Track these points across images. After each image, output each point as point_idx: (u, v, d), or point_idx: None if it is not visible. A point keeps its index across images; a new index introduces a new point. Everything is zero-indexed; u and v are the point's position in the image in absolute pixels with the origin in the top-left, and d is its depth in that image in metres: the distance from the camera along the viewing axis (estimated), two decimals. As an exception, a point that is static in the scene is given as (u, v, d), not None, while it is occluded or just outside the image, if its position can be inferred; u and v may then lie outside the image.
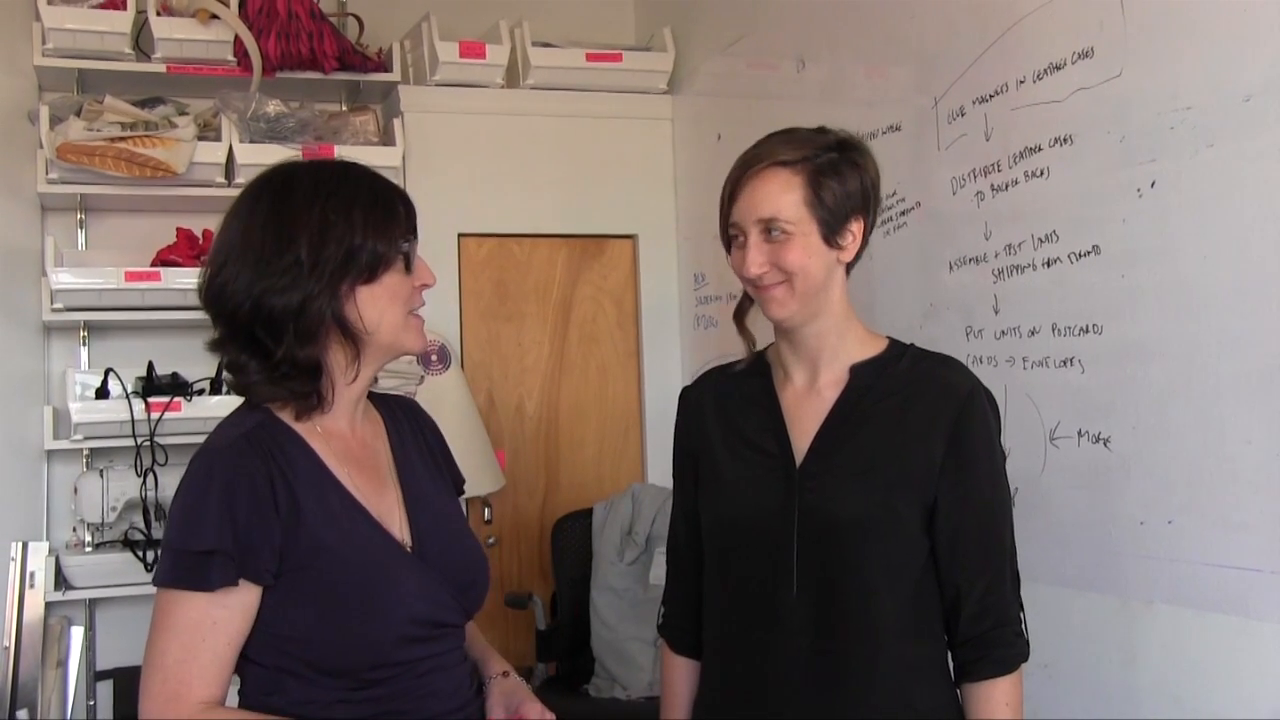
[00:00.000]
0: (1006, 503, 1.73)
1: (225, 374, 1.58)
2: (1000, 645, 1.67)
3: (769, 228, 1.66)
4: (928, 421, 1.68)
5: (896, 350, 1.75)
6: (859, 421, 1.70)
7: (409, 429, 1.70)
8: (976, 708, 1.67)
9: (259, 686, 1.51)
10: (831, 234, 1.68)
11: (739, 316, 1.79)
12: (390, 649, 1.49)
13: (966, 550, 1.68)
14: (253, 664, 1.50)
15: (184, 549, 1.44)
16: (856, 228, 1.70)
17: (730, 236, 1.72)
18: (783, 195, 1.66)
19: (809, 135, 1.71)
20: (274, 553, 1.45)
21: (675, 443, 1.89)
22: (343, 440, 1.57)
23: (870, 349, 1.75)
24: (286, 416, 1.54)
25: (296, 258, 1.47)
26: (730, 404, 1.80)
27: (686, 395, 1.88)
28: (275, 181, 1.54)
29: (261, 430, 1.51)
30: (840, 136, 1.72)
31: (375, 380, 1.66)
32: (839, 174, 1.68)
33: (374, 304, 1.52)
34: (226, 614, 1.44)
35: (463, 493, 1.77)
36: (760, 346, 1.83)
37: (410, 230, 1.56)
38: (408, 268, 1.55)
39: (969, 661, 1.69)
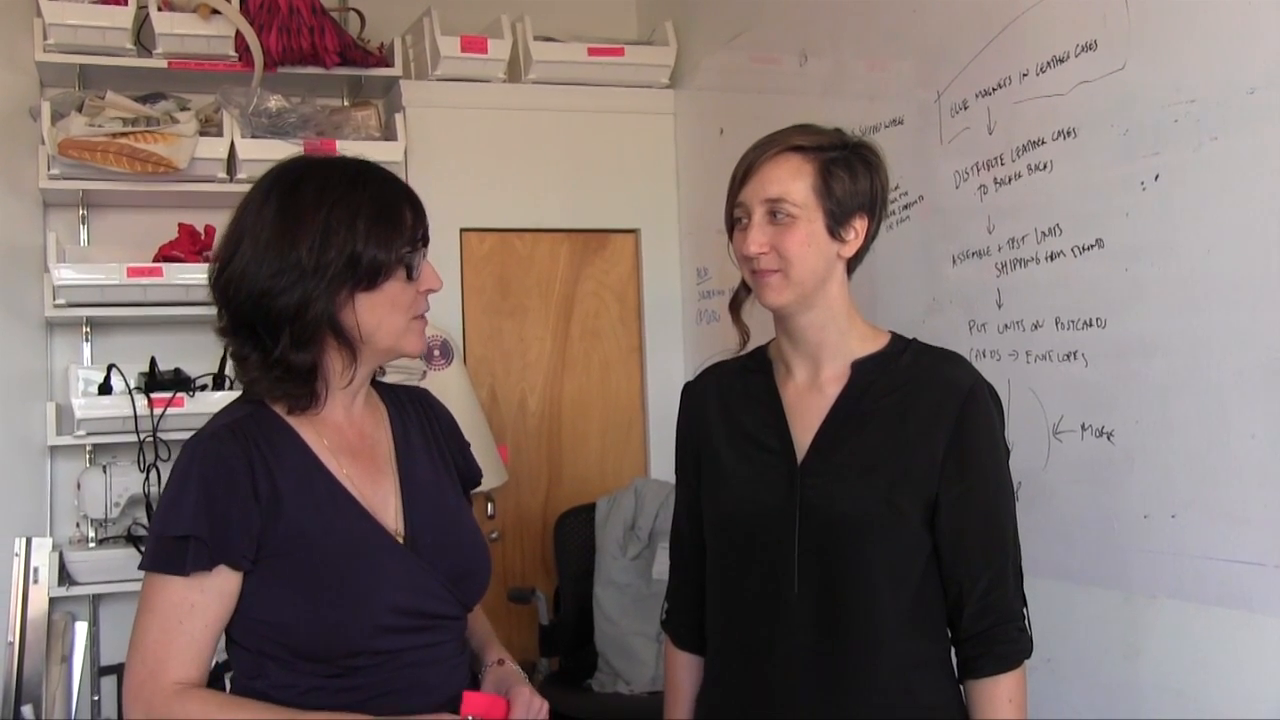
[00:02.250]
0: (1009, 499, 1.73)
1: (230, 364, 1.60)
2: (1002, 642, 1.67)
3: (774, 210, 1.67)
4: (930, 418, 1.68)
5: (898, 346, 1.75)
6: (861, 418, 1.70)
7: (417, 420, 1.70)
8: (979, 705, 1.68)
9: (243, 670, 1.54)
10: (836, 225, 1.69)
11: (734, 307, 1.80)
12: (369, 637, 1.50)
13: (969, 547, 1.68)
14: (238, 647, 1.54)
15: (163, 534, 1.48)
16: (860, 225, 1.71)
17: (735, 219, 1.73)
18: (793, 179, 1.67)
19: (828, 131, 1.73)
20: (252, 538, 1.48)
21: (678, 437, 1.89)
22: (338, 430, 1.59)
23: (872, 344, 1.75)
24: (279, 409, 1.56)
25: (298, 260, 1.49)
26: (733, 399, 1.81)
27: (689, 390, 1.89)
28: (285, 180, 1.55)
29: (249, 420, 1.54)
30: (858, 139, 1.74)
31: (383, 371, 1.67)
32: (851, 169, 1.70)
33: (373, 311, 1.53)
34: (204, 598, 1.47)
35: (478, 484, 1.78)
36: (760, 341, 1.84)
37: (417, 238, 1.56)
38: (410, 276, 1.55)
39: (971, 658, 1.69)
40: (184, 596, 1.47)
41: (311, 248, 1.49)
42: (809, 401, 1.74)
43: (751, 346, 1.84)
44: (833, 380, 1.73)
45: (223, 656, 1.55)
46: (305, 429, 1.56)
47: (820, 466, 1.69)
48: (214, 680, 1.53)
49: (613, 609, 3.42)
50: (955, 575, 1.68)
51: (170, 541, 1.47)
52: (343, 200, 1.51)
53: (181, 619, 1.46)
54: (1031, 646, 1.69)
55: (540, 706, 1.58)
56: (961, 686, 1.71)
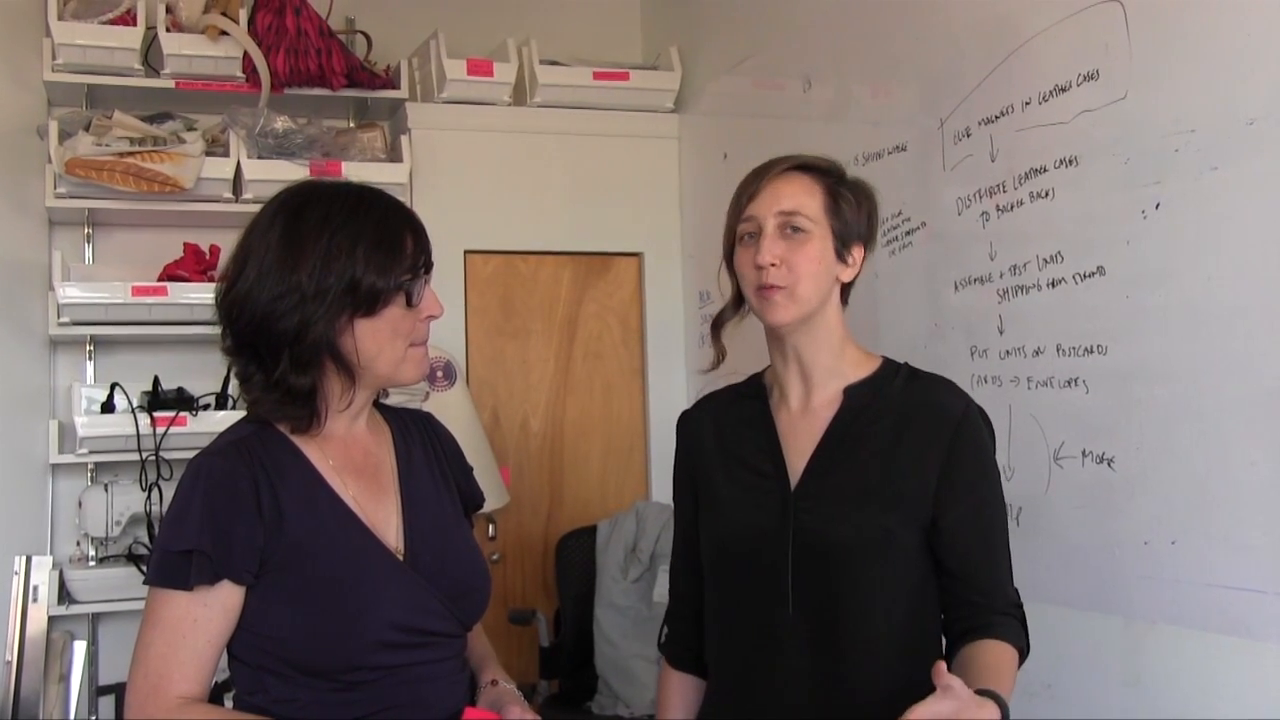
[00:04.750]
0: (1003, 523, 1.76)
1: (234, 384, 1.62)
2: (1003, 625, 1.67)
3: (789, 223, 1.69)
4: (923, 443, 1.69)
5: (890, 370, 1.77)
6: (854, 443, 1.71)
7: (420, 441, 1.72)
8: (983, 651, 1.63)
9: (244, 685, 1.55)
10: (842, 247, 1.72)
11: (716, 326, 1.81)
12: (367, 653, 1.51)
13: (974, 566, 1.70)
14: (238, 662, 1.55)
15: (167, 549, 1.50)
16: (858, 253, 1.75)
17: (739, 235, 1.74)
18: (806, 195, 1.71)
19: (831, 161, 1.77)
20: (255, 554, 1.50)
21: (675, 466, 1.90)
22: (342, 449, 1.61)
23: (864, 369, 1.76)
24: (284, 427, 1.58)
25: (299, 284, 1.51)
26: (728, 426, 1.82)
27: (685, 419, 1.90)
28: (290, 205, 1.57)
29: (253, 438, 1.56)
30: (853, 174, 1.80)
31: (386, 393, 1.69)
32: (855, 197, 1.75)
33: (373, 337, 1.55)
34: (207, 612, 1.49)
35: (480, 507, 1.80)
36: (753, 368, 1.85)
37: (419, 266, 1.58)
38: (410, 303, 1.57)
39: (976, 629, 1.66)
40: (187, 611, 1.48)
41: (312, 273, 1.51)
42: (802, 426, 1.75)
43: (745, 374, 1.86)
44: (826, 405, 1.74)
45: (222, 676, 1.56)
46: (309, 447, 1.58)
47: (813, 491, 1.70)
48: (214, 700, 1.54)
49: (613, 631, 3.41)
50: (965, 595, 1.70)
51: (174, 556, 1.48)
52: (344, 227, 1.53)
53: (185, 633, 1.48)
54: (1027, 649, 1.69)
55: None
56: (957, 651, 1.67)
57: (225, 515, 1.49)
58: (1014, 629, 1.69)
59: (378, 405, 1.70)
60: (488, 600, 1.69)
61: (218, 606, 1.49)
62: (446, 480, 1.73)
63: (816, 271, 1.69)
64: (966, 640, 1.68)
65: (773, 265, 1.68)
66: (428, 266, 1.59)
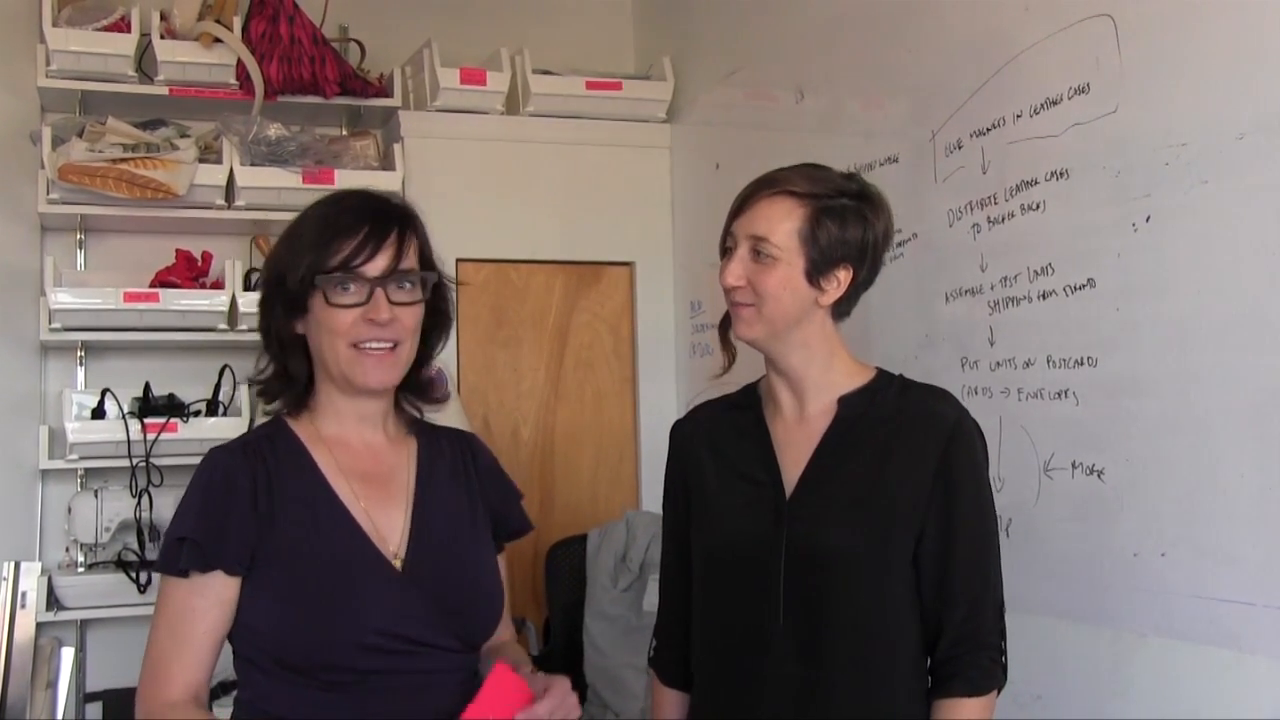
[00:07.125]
0: (992, 533, 1.74)
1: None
2: (974, 667, 1.67)
3: (758, 247, 1.69)
4: (916, 452, 1.69)
5: (884, 380, 1.77)
6: (848, 452, 1.71)
7: (451, 458, 1.73)
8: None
9: (239, 678, 1.60)
10: (816, 273, 1.70)
11: (723, 330, 1.81)
12: (349, 654, 1.53)
13: (949, 578, 1.69)
14: (235, 656, 1.60)
15: (169, 537, 1.58)
16: (844, 275, 1.72)
17: (726, 247, 1.76)
18: (781, 221, 1.69)
19: (832, 176, 1.74)
20: (247, 546, 1.55)
21: (666, 476, 1.90)
22: (350, 452, 1.64)
23: (858, 380, 1.77)
24: (299, 429, 1.64)
25: (265, 280, 1.65)
26: (722, 436, 1.82)
27: (678, 429, 1.90)
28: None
29: (264, 439, 1.64)
30: (862, 187, 1.75)
31: (420, 411, 1.73)
32: (842, 219, 1.70)
33: (315, 333, 1.61)
34: (204, 603, 1.54)
35: (518, 534, 1.81)
36: (750, 377, 1.85)
37: (353, 264, 1.55)
38: (328, 301, 1.56)
39: (941, 680, 1.70)
40: (186, 601, 1.54)
41: (269, 269, 1.64)
42: (797, 436, 1.75)
43: (742, 383, 1.86)
44: (820, 415, 1.75)
45: (229, 677, 1.59)
46: (318, 450, 1.63)
47: (808, 499, 1.70)
48: (214, 699, 1.60)
49: (603, 640, 3.41)
50: (934, 605, 1.70)
51: (173, 544, 1.55)
52: (298, 224, 1.62)
53: (185, 622, 1.54)
54: (1004, 678, 1.70)
55: (573, 705, 1.56)
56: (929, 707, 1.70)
57: (220, 507, 1.55)
58: (982, 671, 1.68)
59: (418, 422, 1.73)
60: (495, 618, 1.70)
61: (213, 597, 1.54)
62: (472, 500, 1.73)
63: (780, 296, 1.69)
64: (933, 692, 1.70)
65: (738, 286, 1.70)
66: (385, 267, 1.57)
